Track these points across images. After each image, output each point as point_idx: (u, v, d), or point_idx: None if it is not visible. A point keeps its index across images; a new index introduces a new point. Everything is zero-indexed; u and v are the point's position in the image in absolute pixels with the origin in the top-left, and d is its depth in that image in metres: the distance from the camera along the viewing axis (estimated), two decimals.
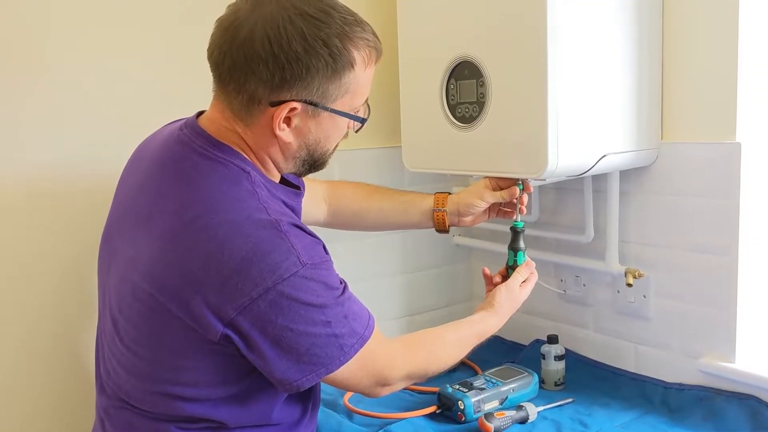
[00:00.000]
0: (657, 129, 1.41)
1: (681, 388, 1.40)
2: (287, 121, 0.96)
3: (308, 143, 1.00)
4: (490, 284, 1.32)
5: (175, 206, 0.94)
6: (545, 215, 1.64)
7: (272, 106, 0.94)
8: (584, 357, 1.59)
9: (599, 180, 1.48)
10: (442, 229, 1.37)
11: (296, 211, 1.07)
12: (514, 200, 1.32)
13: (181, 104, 1.14)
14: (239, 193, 0.94)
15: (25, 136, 1.28)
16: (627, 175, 1.45)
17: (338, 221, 1.41)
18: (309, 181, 1.32)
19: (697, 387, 1.38)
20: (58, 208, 1.32)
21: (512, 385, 1.43)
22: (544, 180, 1.34)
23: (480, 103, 1.35)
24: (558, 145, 1.24)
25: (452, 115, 1.42)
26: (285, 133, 0.97)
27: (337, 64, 0.94)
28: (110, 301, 1.01)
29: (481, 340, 1.22)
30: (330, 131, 1.01)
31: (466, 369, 1.66)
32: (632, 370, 1.51)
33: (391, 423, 1.34)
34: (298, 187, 1.11)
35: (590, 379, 1.53)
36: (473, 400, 1.36)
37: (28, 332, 1.31)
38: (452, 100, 1.42)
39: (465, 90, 1.38)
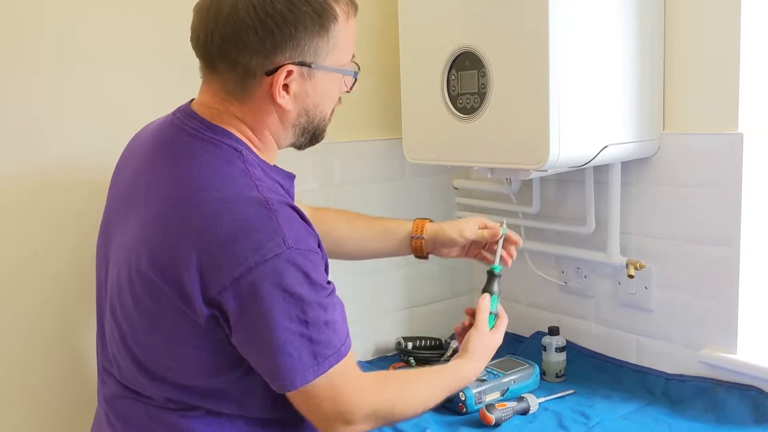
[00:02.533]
0: (659, 120, 1.41)
1: (682, 379, 1.40)
2: (285, 88, 0.96)
3: (307, 108, 1.00)
4: (462, 333, 1.24)
5: (167, 187, 0.94)
6: (546, 207, 1.64)
7: (268, 75, 0.94)
8: (585, 348, 1.59)
9: (601, 171, 1.48)
10: (420, 255, 1.32)
11: (291, 195, 1.05)
12: (494, 245, 1.28)
13: (181, 97, 1.14)
14: (231, 172, 0.93)
15: (27, 130, 1.27)
16: (628, 166, 1.45)
17: None
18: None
19: (698, 378, 1.38)
20: (58, 202, 1.31)
21: (513, 377, 1.43)
22: (546, 171, 1.34)
23: (481, 94, 1.35)
24: (559, 135, 1.24)
25: (453, 106, 1.41)
26: (285, 101, 0.96)
27: (322, 18, 0.94)
28: (109, 290, 1.01)
29: (458, 387, 1.18)
30: (326, 91, 1.01)
31: None
32: (633, 361, 1.51)
33: None
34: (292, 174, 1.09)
35: (591, 370, 1.53)
36: (474, 391, 1.36)
37: (28, 327, 1.30)
38: (453, 91, 1.41)
39: (466, 81, 1.38)
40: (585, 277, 1.59)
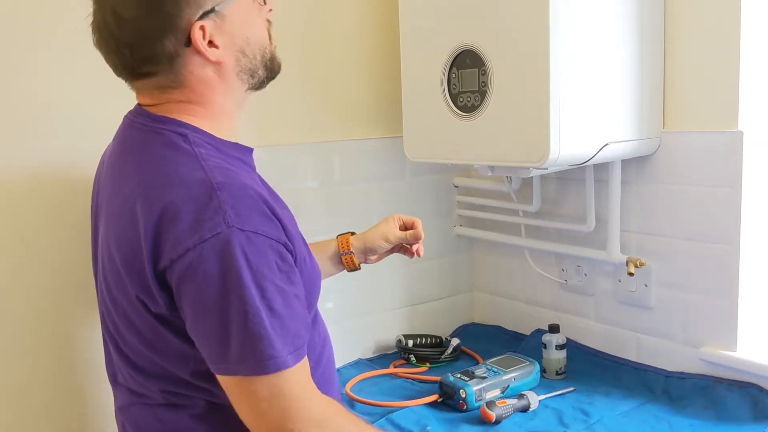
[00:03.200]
0: (659, 118, 1.41)
1: (682, 376, 1.40)
2: (211, 44, 0.93)
3: (241, 47, 0.97)
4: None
5: (120, 183, 0.95)
6: (547, 205, 1.64)
7: (188, 46, 0.92)
8: (585, 346, 1.60)
9: (601, 169, 1.48)
10: (353, 268, 1.32)
11: (252, 167, 1.04)
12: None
13: None
14: (175, 157, 0.92)
15: (25, 128, 1.27)
16: (629, 164, 1.45)
17: None
18: None
19: (698, 376, 1.39)
20: (61, 201, 1.32)
21: (514, 374, 1.43)
22: (546, 169, 1.34)
23: (482, 92, 1.35)
24: (560, 133, 1.24)
25: (454, 104, 1.42)
26: (219, 54, 0.94)
27: None
28: (101, 294, 1.02)
29: None
30: (246, 21, 0.97)
31: (468, 359, 1.66)
32: (633, 359, 1.51)
33: (393, 411, 1.35)
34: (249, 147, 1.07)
35: (591, 368, 1.53)
36: (475, 388, 1.36)
37: (32, 330, 1.30)
38: (454, 89, 1.41)
39: (467, 79, 1.38)
40: (585, 275, 1.59)
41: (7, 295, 1.27)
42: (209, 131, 0.97)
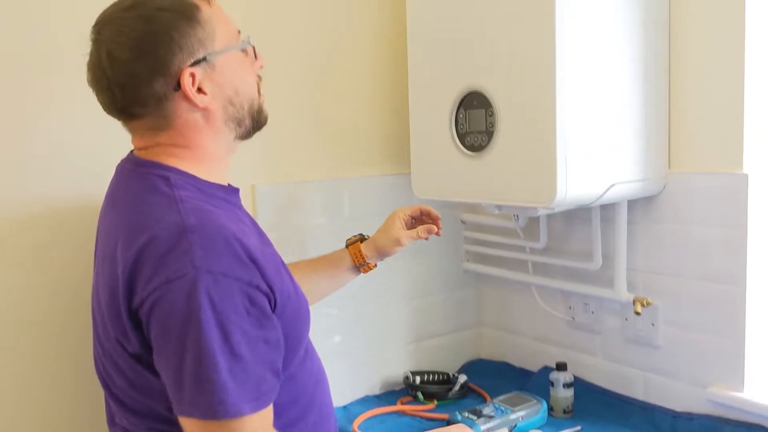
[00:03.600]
0: (664, 159, 1.43)
1: (690, 417, 1.40)
2: (200, 91, 0.95)
3: (229, 97, 0.99)
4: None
5: (110, 230, 0.96)
6: (553, 242, 1.65)
7: (177, 91, 0.94)
8: (593, 384, 1.60)
9: (607, 208, 1.49)
10: (370, 269, 1.37)
11: (240, 207, 1.05)
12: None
13: None
14: (155, 200, 0.93)
15: (32, 164, 1.29)
16: (635, 203, 1.47)
17: None
18: None
19: (705, 416, 1.38)
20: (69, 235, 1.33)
21: (521, 413, 1.43)
22: (553, 209, 1.35)
23: (489, 133, 1.37)
24: (567, 174, 1.26)
25: (462, 143, 1.44)
26: (206, 101, 0.96)
27: (184, 13, 0.94)
28: (95, 339, 1.03)
29: None
30: (235, 73, 0.99)
31: (476, 396, 1.66)
32: (641, 398, 1.51)
33: None
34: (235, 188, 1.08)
35: (599, 406, 1.53)
36: (483, 427, 1.36)
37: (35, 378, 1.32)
38: (461, 129, 1.44)
39: (474, 119, 1.40)
40: (592, 312, 1.60)
41: (10, 350, 1.28)
42: (195, 173, 0.98)
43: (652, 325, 1.47)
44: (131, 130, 1.01)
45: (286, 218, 1.57)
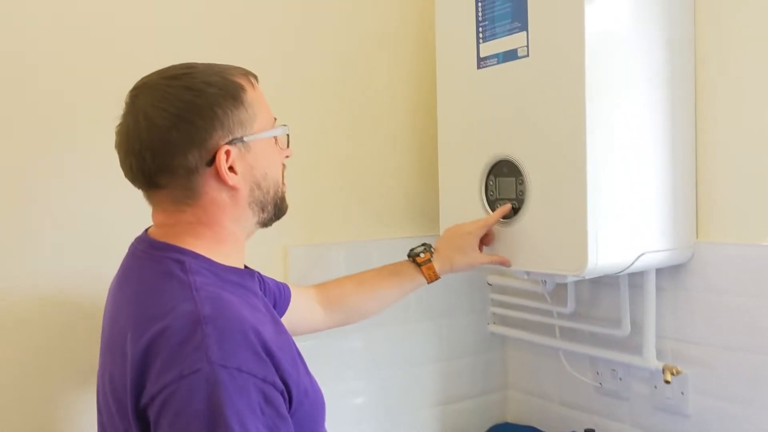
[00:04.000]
0: (692, 228, 1.44)
1: None
2: (231, 170, 0.95)
3: (257, 180, 0.99)
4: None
5: (119, 316, 0.94)
6: (581, 307, 1.66)
7: (210, 166, 0.94)
8: None
9: (635, 275, 1.50)
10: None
11: (254, 293, 1.01)
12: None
13: None
14: (168, 287, 0.90)
15: (39, 245, 1.29)
16: (663, 271, 1.48)
17: (338, 319, 1.40)
18: (298, 288, 1.34)
19: None
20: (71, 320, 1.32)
21: None
22: (583, 277, 1.37)
23: (519, 201, 1.40)
24: (597, 244, 1.28)
25: (491, 209, 1.46)
26: (236, 180, 0.95)
27: (230, 92, 0.95)
28: (99, 427, 1.00)
29: None
30: (267, 158, 1.00)
31: None
32: None
33: None
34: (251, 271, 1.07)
35: None
36: None
37: None
38: (491, 195, 1.46)
39: (504, 187, 1.43)
40: (620, 379, 1.59)
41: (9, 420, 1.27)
42: (211, 256, 0.96)
43: (682, 393, 1.46)
44: (153, 203, 0.99)
45: (316, 279, 1.59)
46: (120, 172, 0.98)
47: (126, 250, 1.03)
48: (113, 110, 0.97)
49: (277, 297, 1.26)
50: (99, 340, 1.05)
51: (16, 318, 1.27)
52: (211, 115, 0.93)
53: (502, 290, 1.84)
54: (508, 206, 1.41)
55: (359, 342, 1.67)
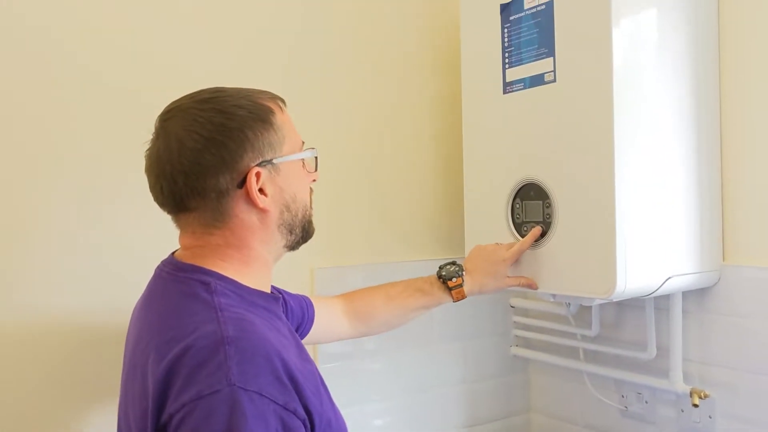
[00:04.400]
0: (718, 251, 1.45)
1: None
2: (261, 192, 0.95)
3: (286, 203, 0.99)
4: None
5: (143, 336, 0.94)
6: (605, 330, 1.66)
7: (240, 188, 0.94)
8: None
9: (660, 297, 1.51)
10: None
11: (278, 316, 1.01)
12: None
13: None
14: (193, 307, 0.90)
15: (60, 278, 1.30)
16: (689, 294, 1.48)
17: (362, 331, 1.41)
18: (324, 299, 1.36)
19: None
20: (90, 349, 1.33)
21: None
22: (611, 300, 1.37)
23: (546, 224, 1.41)
24: (626, 267, 1.29)
25: (518, 233, 1.47)
26: (267, 202, 0.96)
27: (260, 115, 0.96)
28: None
29: None
30: (296, 180, 1.01)
31: None
32: None
33: None
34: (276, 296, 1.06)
35: None
36: None
37: None
38: (518, 218, 1.48)
39: (531, 210, 1.44)
40: (646, 402, 1.59)
41: None
42: (237, 278, 0.96)
43: (710, 417, 1.46)
44: (182, 226, 0.99)
45: None
46: (141, 199, 0.98)
47: (148, 275, 1.03)
48: (139, 137, 0.98)
49: (301, 320, 1.27)
50: (119, 364, 1.05)
51: (37, 342, 1.28)
52: (241, 138, 0.94)
53: (525, 313, 1.85)
54: (538, 229, 1.42)
55: (381, 364, 1.67)
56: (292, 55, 1.56)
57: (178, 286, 0.95)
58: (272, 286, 1.07)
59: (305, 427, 0.85)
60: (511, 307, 1.86)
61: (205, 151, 0.92)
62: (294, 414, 0.83)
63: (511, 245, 1.44)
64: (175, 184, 0.94)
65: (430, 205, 1.76)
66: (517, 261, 1.44)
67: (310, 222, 1.05)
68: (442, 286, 1.40)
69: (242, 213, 0.96)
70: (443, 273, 1.40)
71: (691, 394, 1.45)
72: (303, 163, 1.04)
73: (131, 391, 0.93)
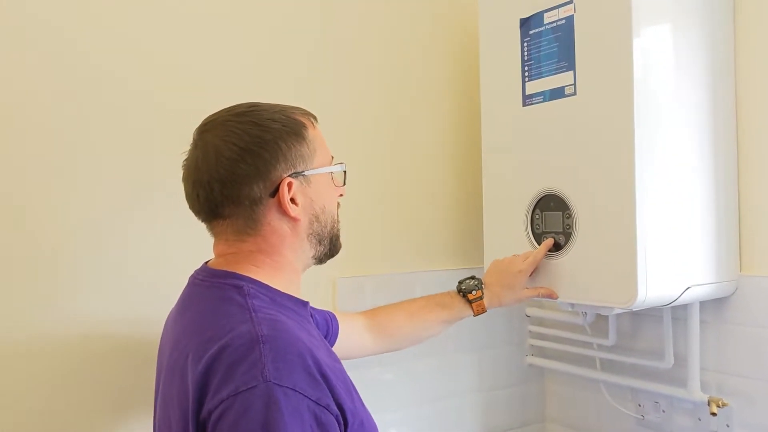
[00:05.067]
0: (736, 261, 1.47)
1: None
2: (293, 201, 1.00)
3: (316, 213, 1.03)
4: None
5: (180, 339, 0.97)
6: (622, 339, 1.68)
7: (272, 197, 0.99)
8: None
9: (677, 307, 1.52)
10: None
11: (307, 320, 1.04)
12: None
13: None
14: (227, 309, 0.94)
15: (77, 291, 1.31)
16: (706, 304, 1.50)
17: (386, 347, 1.44)
18: (346, 315, 1.38)
19: None
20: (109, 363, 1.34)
21: None
22: (631, 310, 1.39)
23: (566, 234, 1.43)
24: (647, 277, 1.31)
25: (537, 243, 1.49)
26: (297, 212, 1.00)
27: (294, 128, 1.01)
28: None
29: None
30: (325, 193, 1.05)
31: None
32: None
33: None
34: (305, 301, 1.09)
35: None
36: None
37: None
38: (537, 229, 1.50)
39: (551, 221, 1.47)
40: (663, 411, 1.60)
41: None
42: (269, 283, 1.00)
43: (727, 426, 1.48)
44: (216, 233, 1.03)
45: (363, 308, 1.61)
46: (171, 210, 1.01)
47: (177, 285, 1.07)
48: (171, 149, 1.02)
49: (326, 333, 1.29)
50: (147, 373, 1.07)
51: (65, 350, 1.30)
52: (275, 149, 0.99)
53: (541, 322, 1.87)
54: (551, 240, 1.45)
55: (397, 374, 1.69)
56: (311, 70, 1.59)
57: (212, 291, 0.99)
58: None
59: (338, 423, 0.87)
60: (527, 316, 1.88)
61: (241, 161, 0.97)
62: (327, 409, 0.85)
63: (527, 255, 1.46)
64: (212, 191, 0.98)
65: (450, 216, 1.79)
66: (536, 272, 1.47)
67: (337, 236, 1.09)
68: (462, 299, 1.43)
69: (274, 221, 1.00)
70: (462, 287, 1.44)
71: (709, 403, 1.46)
72: (332, 177, 1.08)
73: (170, 393, 0.95)
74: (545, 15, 1.46)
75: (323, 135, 1.08)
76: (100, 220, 1.33)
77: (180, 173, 1.03)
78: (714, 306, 1.50)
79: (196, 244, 1.13)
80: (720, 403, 1.46)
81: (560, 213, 1.44)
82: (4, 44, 1.24)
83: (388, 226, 1.69)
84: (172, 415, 0.94)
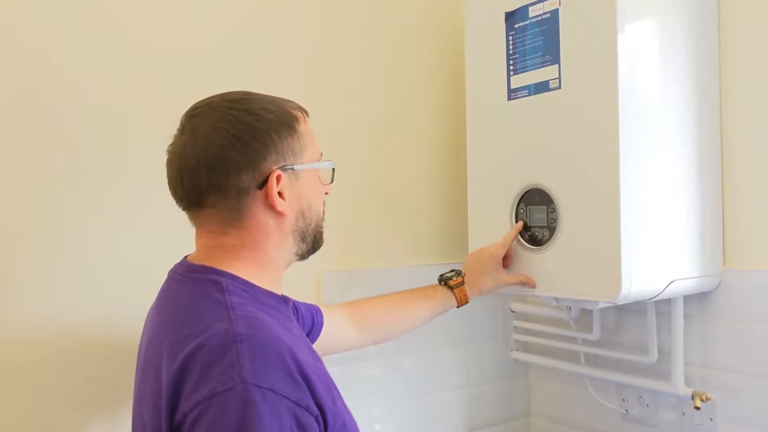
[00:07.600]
0: (719, 256, 1.47)
1: None
2: (281, 195, 0.97)
3: (302, 209, 1.01)
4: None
5: (155, 338, 0.95)
6: (607, 334, 1.68)
7: (260, 189, 0.96)
8: None
9: (662, 302, 1.53)
10: None
11: (288, 317, 1.02)
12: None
13: None
14: (205, 306, 0.91)
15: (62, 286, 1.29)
16: (690, 298, 1.50)
17: (370, 339, 1.43)
18: (330, 310, 1.36)
19: None
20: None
21: None
22: (615, 304, 1.39)
23: (551, 228, 1.43)
24: (630, 271, 1.31)
25: (522, 237, 1.49)
26: (284, 206, 0.98)
27: (286, 120, 0.98)
28: None
29: None
30: (312, 189, 1.03)
31: None
32: None
33: None
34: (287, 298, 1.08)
35: None
36: None
37: None
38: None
39: (535, 215, 1.46)
40: (647, 405, 1.61)
41: None
42: (249, 279, 0.97)
43: (711, 420, 1.48)
44: (198, 224, 1.00)
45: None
46: (154, 204, 0.99)
47: (160, 281, 1.04)
48: (154, 143, 0.99)
49: (311, 326, 1.28)
50: (130, 370, 1.05)
51: (48, 348, 1.28)
52: (267, 140, 0.96)
53: (525, 317, 1.87)
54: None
55: (382, 369, 1.68)
56: (298, 63, 1.58)
57: (190, 286, 0.96)
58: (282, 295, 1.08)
59: (318, 423, 0.85)
60: (512, 311, 1.88)
61: (231, 148, 0.94)
62: (307, 410, 0.83)
63: (497, 242, 1.47)
64: (198, 177, 0.95)
65: (436, 210, 1.78)
66: (520, 265, 1.46)
67: (321, 233, 1.07)
68: (444, 287, 1.44)
69: (259, 214, 0.97)
70: (443, 277, 1.46)
71: (693, 397, 1.47)
72: (319, 174, 1.06)
73: (145, 390, 0.93)
74: (530, 9, 1.46)
75: (313, 132, 1.06)
76: (78, 213, 1.31)
77: (158, 163, 1.00)
78: (698, 300, 1.50)
79: (175, 238, 1.11)
80: (704, 397, 1.46)
81: (545, 207, 1.44)
82: None
83: (374, 221, 1.69)
84: (145, 413, 0.92)
